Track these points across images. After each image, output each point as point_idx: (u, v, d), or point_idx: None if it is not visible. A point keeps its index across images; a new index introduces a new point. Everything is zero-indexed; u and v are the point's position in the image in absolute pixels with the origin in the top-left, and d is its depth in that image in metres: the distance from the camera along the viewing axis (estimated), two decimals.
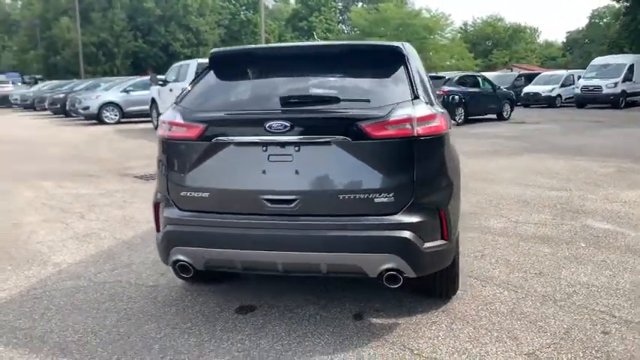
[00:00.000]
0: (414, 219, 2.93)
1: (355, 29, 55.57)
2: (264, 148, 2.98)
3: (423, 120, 2.97)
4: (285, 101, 3.02)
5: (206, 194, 3.07)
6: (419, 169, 2.95)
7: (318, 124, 2.97)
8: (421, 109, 2.99)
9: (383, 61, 3.31)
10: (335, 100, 3.06)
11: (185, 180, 3.10)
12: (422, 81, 3.32)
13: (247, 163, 3.02)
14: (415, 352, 2.93)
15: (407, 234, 2.89)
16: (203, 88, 3.36)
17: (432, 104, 3.17)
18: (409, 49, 3.46)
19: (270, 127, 2.92)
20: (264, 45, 4.19)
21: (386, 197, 2.91)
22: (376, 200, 2.91)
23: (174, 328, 3.23)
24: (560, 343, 3.01)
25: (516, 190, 6.88)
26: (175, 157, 3.15)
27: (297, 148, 2.95)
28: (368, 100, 3.06)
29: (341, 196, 2.92)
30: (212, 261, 3.08)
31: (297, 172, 2.96)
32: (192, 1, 53.41)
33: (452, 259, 3.24)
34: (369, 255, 2.90)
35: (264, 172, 2.98)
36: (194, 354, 2.94)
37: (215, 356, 2.91)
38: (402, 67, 3.23)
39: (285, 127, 2.91)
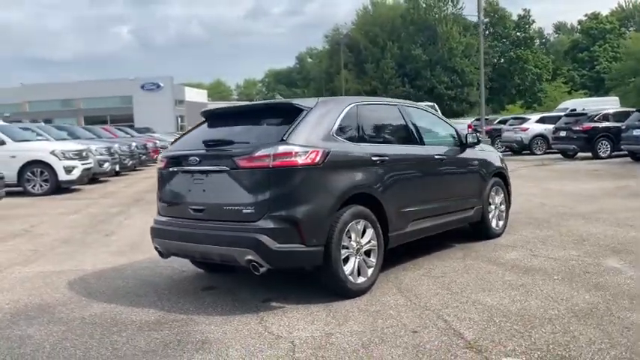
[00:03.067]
0: (268, 225, 4.11)
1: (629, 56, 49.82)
2: (192, 174, 4.54)
3: (278, 156, 4.14)
4: (202, 144, 4.54)
5: (166, 204, 4.77)
6: (273, 190, 4.13)
7: (214, 158, 4.40)
8: (281, 148, 4.17)
9: (283, 115, 4.54)
10: (229, 142, 4.43)
11: (161, 195, 4.85)
12: (314, 127, 4.44)
13: (183, 184, 4.62)
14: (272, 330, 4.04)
15: (259, 236, 4.08)
16: (187, 134, 5.08)
17: (311, 145, 4.27)
18: (321, 106, 4.61)
19: (190, 161, 4.49)
20: (223, 106, 5.79)
21: (250, 209, 4.17)
22: (244, 211, 4.19)
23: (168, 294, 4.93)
24: None
25: None
26: (159, 180, 4.93)
27: (206, 175, 4.44)
28: (248, 142, 4.36)
29: (225, 207, 4.29)
30: (167, 249, 4.72)
31: (204, 190, 4.44)
32: (458, 44, 55.26)
33: (317, 259, 4.23)
34: (237, 249, 4.17)
35: (189, 190, 4.54)
36: (168, 308, 4.56)
37: (178, 312, 4.47)
38: (294, 119, 4.42)
39: (197, 160, 4.44)
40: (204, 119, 5.14)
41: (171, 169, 4.73)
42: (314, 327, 3.87)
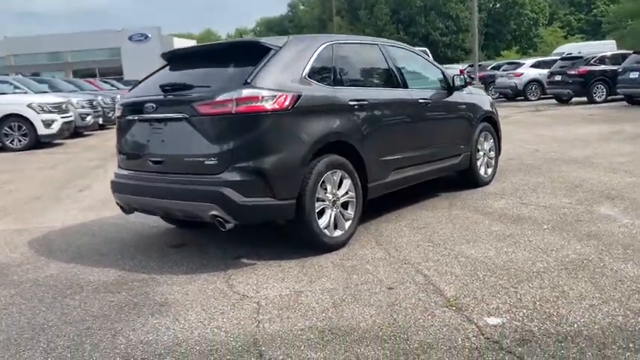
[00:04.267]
0: (233, 178, 3.75)
1: None
2: (149, 123, 4.15)
3: (242, 100, 3.75)
4: (159, 89, 4.13)
5: (125, 156, 4.40)
6: (237, 140, 3.76)
7: (172, 105, 4.00)
8: (245, 92, 3.77)
9: (250, 55, 4.11)
10: (188, 86, 4.02)
11: (120, 146, 4.47)
12: (284, 68, 4.02)
13: (141, 134, 4.23)
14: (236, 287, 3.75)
15: (223, 190, 3.73)
16: (147, 78, 4.65)
17: (279, 88, 3.87)
18: (291, 44, 4.18)
19: (146, 108, 4.08)
20: (184, 47, 5.27)
21: (213, 160, 3.80)
22: (206, 162, 3.83)
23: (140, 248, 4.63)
24: None
25: None
26: (117, 130, 4.54)
27: (165, 123, 4.05)
28: (209, 86, 3.95)
29: (186, 159, 3.93)
30: (128, 204, 4.38)
31: (163, 140, 4.06)
32: None
33: (289, 213, 3.90)
34: (200, 204, 3.83)
35: (148, 140, 4.16)
36: (130, 267, 4.26)
37: (140, 271, 4.18)
38: (260, 60, 3.99)
39: (153, 108, 4.04)
40: (166, 62, 4.70)
41: (128, 118, 4.34)
42: (283, 285, 3.58)
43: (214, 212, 3.78)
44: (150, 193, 4.09)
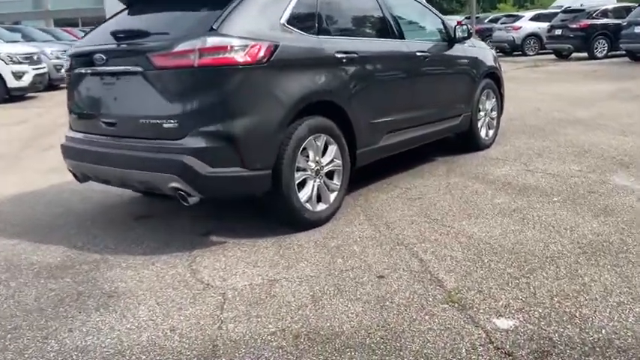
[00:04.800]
0: (196, 145, 3.16)
1: None
2: (101, 78, 3.52)
3: (207, 51, 3.12)
4: (112, 37, 3.48)
5: (76, 116, 3.77)
6: (202, 99, 3.15)
7: (124, 56, 3.37)
8: (210, 41, 3.13)
9: None
10: (143, 34, 3.38)
11: (70, 104, 3.84)
12: (258, 13, 3.38)
13: (92, 90, 3.60)
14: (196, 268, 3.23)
15: (185, 158, 3.15)
16: (100, 26, 3.98)
17: (252, 37, 3.24)
18: None
19: (96, 59, 3.44)
20: None
21: (172, 124, 3.20)
22: (165, 126, 3.23)
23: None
24: None
25: None
26: (67, 85, 3.90)
27: (117, 78, 3.42)
28: (168, 33, 3.31)
29: (141, 121, 3.32)
30: (81, 172, 3.79)
31: (115, 98, 3.44)
32: None
33: (264, 186, 3.34)
34: (159, 174, 3.26)
35: (99, 98, 3.54)
36: (82, 245, 3.71)
37: (93, 250, 3.63)
38: (229, 2, 3.34)
39: (103, 59, 3.40)
40: (125, 5, 4.02)
41: (77, 72, 3.70)
42: (255, 271, 3.06)
43: (175, 184, 3.22)
44: (103, 161, 3.51)
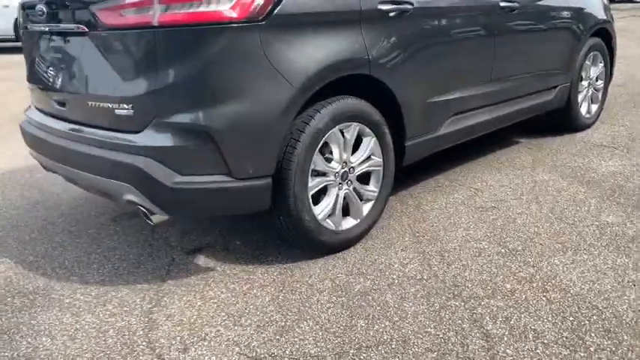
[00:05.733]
0: (157, 142, 2.16)
1: None
2: (50, 38, 2.55)
3: (174, 2, 2.06)
4: None
5: (32, 88, 2.85)
6: (165, 73, 2.12)
7: (66, 9, 2.36)
8: None
9: None
10: None
11: (27, 71, 2.91)
12: None
13: (43, 54, 2.64)
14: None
15: (141, 161, 2.16)
16: None
17: None
18: None
19: (36, 13, 2.46)
20: None
21: (126, 109, 2.21)
22: (117, 112, 2.24)
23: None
24: None
25: None
26: (23, 45, 2.96)
27: (65, 40, 2.45)
28: None
29: (90, 104, 2.35)
30: (43, 164, 2.88)
31: (63, 68, 2.47)
32: None
33: (261, 202, 2.31)
34: (112, 182, 2.29)
35: (49, 66, 2.58)
36: (34, 260, 2.88)
37: (43, 270, 2.80)
38: None
39: (42, 12, 2.41)
40: None
41: (26, 28, 2.74)
42: (235, 335, 2.08)
43: (130, 197, 2.24)
44: (57, 155, 2.57)
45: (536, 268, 2.42)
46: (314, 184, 2.45)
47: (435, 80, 2.93)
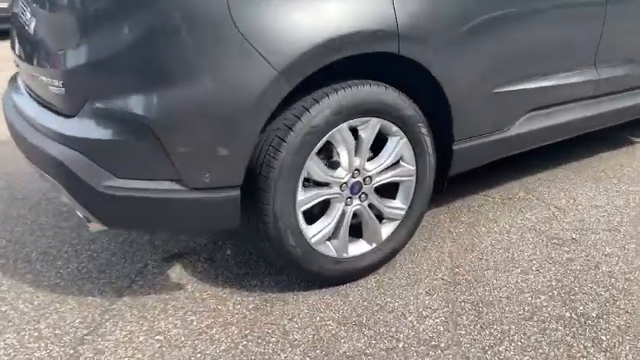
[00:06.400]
0: (86, 133, 1.65)
1: None
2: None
3: None
4: None
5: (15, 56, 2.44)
6: (99, 43, 1.58)
7: None
8: None
9: None
10: None
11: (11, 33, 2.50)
12: None
13: (22, 15, 2.20)
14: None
15: (67, 156, 1.66)
16: None
17: None
18: None
19: None
20: None
21: (56, 87, 1.71)
22: (51, 89, 1.75)
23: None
24: None
25: None
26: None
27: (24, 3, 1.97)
28: None
29: (34, 75, 1.87)
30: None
31: (24, 35, 2.01)
32: None
33: (227, 219, 1.74)
34: (47, 177, 1.82)
35: (24, 28, 2.12)
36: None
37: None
38: None
39: None
40: None
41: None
42: None
43: (64, 198, 1.76)
44: (23, 143, 2.14)
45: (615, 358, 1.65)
46: (307, 197, 1.82)
47: (507, 62, 2.13)
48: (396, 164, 2.00)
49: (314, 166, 1.79)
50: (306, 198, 1.82)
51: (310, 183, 1.84)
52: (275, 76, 1.60)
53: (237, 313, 1.89)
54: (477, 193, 2.70)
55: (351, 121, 1.82)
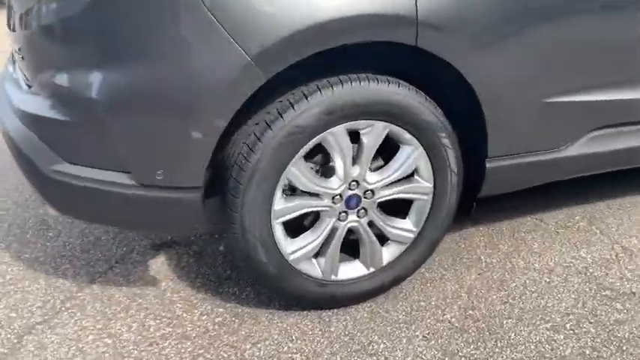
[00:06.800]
0: (34, 108, 1.48)
1: None
2: None
3: None
4: None
5: None
6: (48, 8, 1.39)
7: None
8: None
9: None
10: None
11: None
12: None
13: None
14: None
15: (18, 133, 1.50)
16: None
17: None
18: None
19: None
20: None
21: (18, 53, 1.54)
22: (16, 56, 1.58)
23: None
24: None
25: None
26: None
27: None
28: None
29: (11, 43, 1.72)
30: None
31: None
32: None
33: (184, 220, 1.52)
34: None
35: None
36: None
37: None
38: None
39: None
40: None
41: None
42: None
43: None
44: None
45: None
46: (287, 207, 1.54)
47: (564, 64, 1.68)
48: (408, 178, 1.65)
49: (297, 173, 1.49)
50: (285, 208, 1.53)
51: (291, 192, 1.55)
52: (245, 62, 1.31)
53: (199, 326, 1.66)
54: (529, 216, 2.27)
55: (348, 123, 1.49)
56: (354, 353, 1.56)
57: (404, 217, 1.72)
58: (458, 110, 1.62)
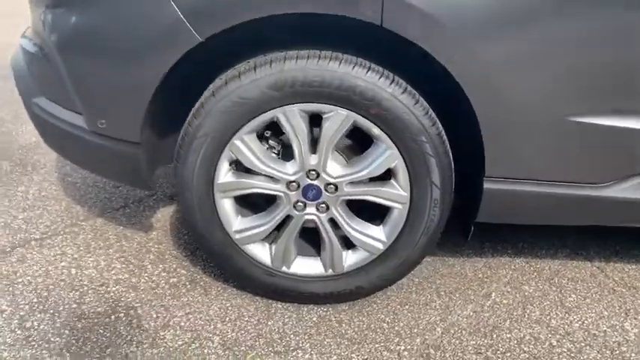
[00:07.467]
0: (26, 45, 1.61)
1: None
2: None
3: None
4: None
5: None
6: None
7: None
8: None
9: None
10: None
11: None
12: None
13: None
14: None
15: (17, 65, 1.66)
16: None
17: None
18: None
19: None
20: None
21: None
22: None
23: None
24: None
25: None
26: None
27: None
28: None
29: None
30: None
31: None
32: None
33: (125, 173, 1.54)
34: None
35: None
36: None
37: None
38: None
39: None
40: None
41: None
42: None
43: None
44: None
45: None
46: (232, 182, 1.45)
47: (601, 72, 1.27)
48: (383, 180, 1.43)
49: (242, 148, 1.38)
50: (232, 183, 1.44)
51: (239, 167, 1.45)
52: (178, 20, 1.23)
53: (153, 282, 1.68)
54: (589, 262, 1.83)
55: (304, 104, 1.33)
56: (272, 354, 1.43)
57: (379, 223, 1.50)
58: (449, 112, 1.34)
